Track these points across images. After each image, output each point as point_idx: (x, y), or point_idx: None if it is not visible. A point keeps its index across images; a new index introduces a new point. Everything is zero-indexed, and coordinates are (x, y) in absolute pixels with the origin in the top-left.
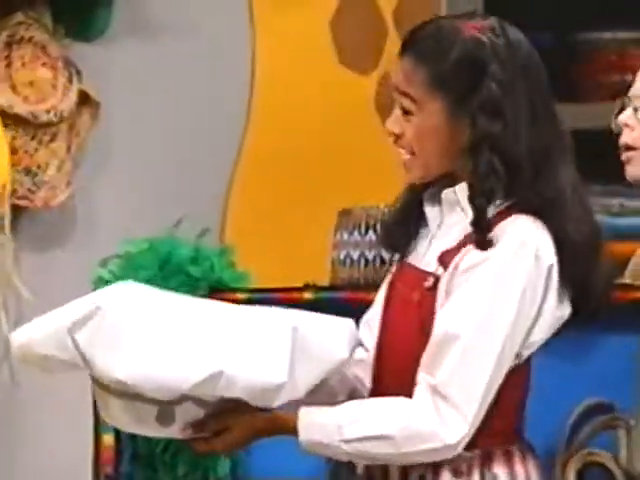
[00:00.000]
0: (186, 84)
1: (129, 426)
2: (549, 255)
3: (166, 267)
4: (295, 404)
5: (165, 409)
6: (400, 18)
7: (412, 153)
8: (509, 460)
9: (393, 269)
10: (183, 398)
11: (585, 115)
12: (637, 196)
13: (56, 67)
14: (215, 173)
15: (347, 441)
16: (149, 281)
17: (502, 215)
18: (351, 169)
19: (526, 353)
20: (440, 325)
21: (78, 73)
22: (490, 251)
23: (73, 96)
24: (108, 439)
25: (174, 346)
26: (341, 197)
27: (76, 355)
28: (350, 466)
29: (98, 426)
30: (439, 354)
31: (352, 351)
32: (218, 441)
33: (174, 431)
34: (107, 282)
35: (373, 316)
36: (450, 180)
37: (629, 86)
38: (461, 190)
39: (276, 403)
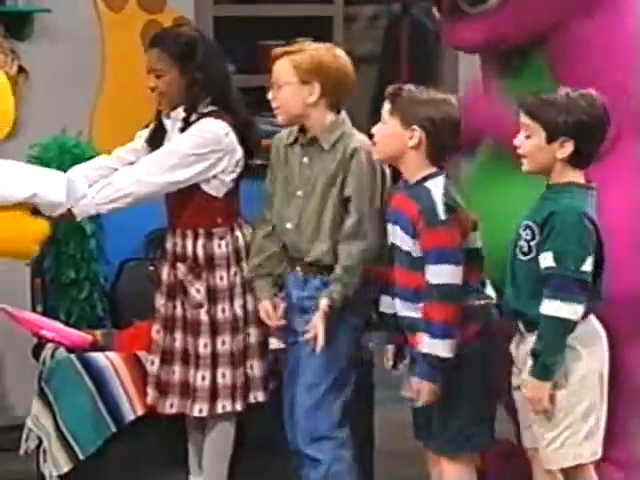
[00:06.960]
0: (72, 59)
1: None
2: (230, 139)
3: (61, 150)
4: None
5: None
6: None
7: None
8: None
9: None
10: None
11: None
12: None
13: (7, 53)
14: (87, 102)
15: (97, 204)
16: (54, 157)
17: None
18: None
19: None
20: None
21: (18, 57)
22: (188, 132)
23: (15, 67)
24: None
25: (13, 182)
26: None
27: None
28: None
29: None
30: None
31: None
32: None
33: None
34: (33, 157)
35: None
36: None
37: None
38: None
39: (56, 212)
